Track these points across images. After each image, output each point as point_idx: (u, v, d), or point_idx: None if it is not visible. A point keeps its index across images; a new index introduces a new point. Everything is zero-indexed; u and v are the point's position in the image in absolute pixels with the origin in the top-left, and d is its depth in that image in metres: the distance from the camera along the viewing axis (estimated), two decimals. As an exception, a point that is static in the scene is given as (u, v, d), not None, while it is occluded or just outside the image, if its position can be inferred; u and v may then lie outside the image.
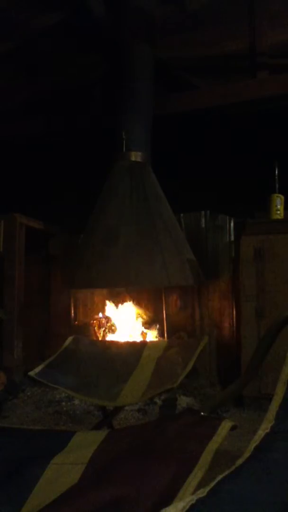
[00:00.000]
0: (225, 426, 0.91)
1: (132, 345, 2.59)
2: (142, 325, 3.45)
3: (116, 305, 3.52)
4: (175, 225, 3.29)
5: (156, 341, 3.09)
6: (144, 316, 3.49)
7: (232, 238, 3.41)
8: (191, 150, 3.79)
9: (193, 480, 0.76)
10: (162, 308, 3.45)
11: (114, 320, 3.42)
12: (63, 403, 2.94)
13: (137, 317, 3.51)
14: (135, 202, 3.12)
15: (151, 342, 2.89)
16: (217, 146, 3.71)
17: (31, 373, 1.79)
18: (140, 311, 3.53)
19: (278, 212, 3.02)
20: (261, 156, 3.48)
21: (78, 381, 1.84)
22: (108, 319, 3.46)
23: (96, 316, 3.51)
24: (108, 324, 3.43)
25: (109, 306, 3.52)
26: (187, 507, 0.60)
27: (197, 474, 0.78)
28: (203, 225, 3.49)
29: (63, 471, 0.93)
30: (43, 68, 4.04)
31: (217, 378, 3.27)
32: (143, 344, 2.37)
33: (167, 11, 3.58)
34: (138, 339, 3.30)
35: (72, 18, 3.53)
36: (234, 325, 3.29)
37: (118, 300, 3.55)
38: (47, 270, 3.84)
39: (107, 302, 3.54)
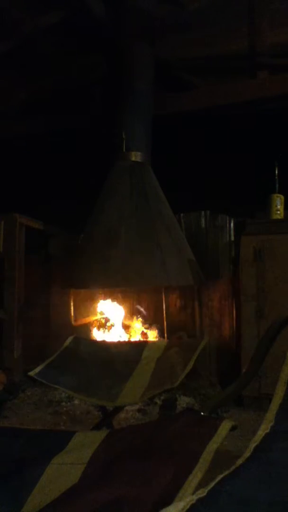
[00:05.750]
0: (225, 426, 0.91)
1: (132, 345, 2.58)
2: (142, 325, 3.45)
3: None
4: (175, 225, 3.29)
5: (156, 341, 3.09)
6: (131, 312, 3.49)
7: (232, 238, 3.41)
8: (191, 150, 3.79)
9: (193, 480, 0.76)
10: (162, 308, 3.45)
11: (112, 320, 3.42)
12: (63, 403, 2.94)
13: (136, 318, 3.51)
14: (135, 202, 3.13)
15: (151, 342, 2.89)
16: (217, 146, 3.71)
17: (31, 373, 1.79)
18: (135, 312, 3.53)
19: (278, 212, 3.02)
20: (261, 156, 3.48)
21: (78, 381, 1.84)
22: (107, 319, 3.46)
23: (96, 316, 3.51)
24: (108, 324, 3.43)
25: (109, 306, 3.52)
26: (187, 507, 0.60)
27: (197, 474, 0.78)
28: (203, 225, 3.48)
29: (63, 471, 0.93)
30: (43, 68, 4.04)
31: (217, 378, 3.27)
32: (143, 344, 2.37)
33: (167, 11, 3.58)
34: (138, 339, 3.30)
35: (72, 18, 3.53)
36: (234, 325, 3.29)
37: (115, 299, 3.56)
38: (47, 270, 3.84)
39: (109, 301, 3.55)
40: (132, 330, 3.42)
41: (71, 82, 4.05)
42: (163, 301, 3.46)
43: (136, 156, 3.21)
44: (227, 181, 3.61)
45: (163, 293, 3.47)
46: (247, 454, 0.77)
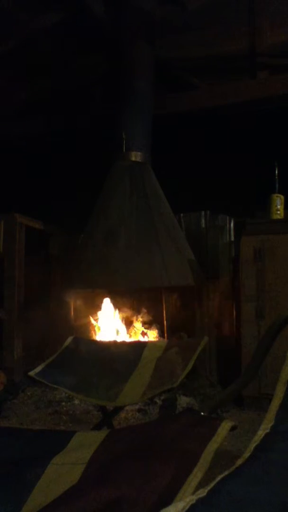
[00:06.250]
0: (225, 426, 0.91)
1: (132, 345, 2.59)
2: (142, 325, 3.45)
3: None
4: (175, 225, 3.29)
5: (156, 341, 3.09)
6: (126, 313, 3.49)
7: (232, 238, 3.41)
8: (190, 150, 3.79)
9: (193, 480, 0.76)
10: (162, 308, 3.45)
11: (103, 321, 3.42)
12: (63, 403, 2.94)
13: (136, 318, 3.51)
14: (135, 202, 3.13)
15: (151, 342, 2.89)
16: (217, 146, 3.71)
17: (31, 373, 1.79)
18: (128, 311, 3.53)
19: (278, 212, 3.02)
20: (261, 156, 3.48)
21: (78, 381, 1.84)
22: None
23: (96, 316, 3.51)
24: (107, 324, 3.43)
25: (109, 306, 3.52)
26: (187, 507, 0.60)
27: (197, 474, 0.78)
28: (203, 225, 3.49)
29: (63, 471, 0.93)
30: (43, 68, 4.04)
31: (217, 378, 3.27)
32: (143, 344, 2.37)
33: (167, 11, 3.58)
34: (138, 339, 3.30)
35: (72, 18, 3.53)
36: (234, 325, 3.29)
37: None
38: (47, 270, 3.84)
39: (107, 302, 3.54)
40: (132, 330, 3.42)
41: (71, 82, 4.05)
42: (163, 301, 3.46)
43: (136, 156, 3.21)
44: (227, 181, 3.61)
45: (163, 293, 3.47)
46: (247, 454, 0.77)
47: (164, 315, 3.43)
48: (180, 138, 3.84)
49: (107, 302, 3.52)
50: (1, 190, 4.06)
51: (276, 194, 3.03)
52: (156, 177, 3.31)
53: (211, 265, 3.39)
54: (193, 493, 0.69)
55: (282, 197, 3.04)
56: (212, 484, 0.66)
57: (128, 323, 3.48)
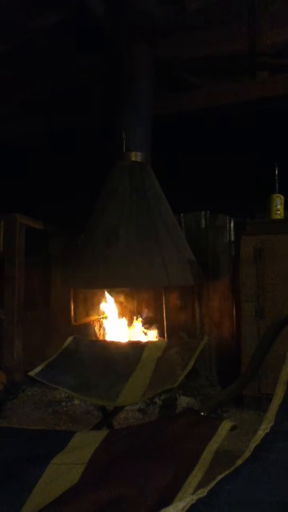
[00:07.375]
0: (225, 426, 0.91)
1: (132, 345, 2.58)
2: (142, 325, 3.45)
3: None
4: (175, 225, 3.29)
5: (156, 341, 3.09)
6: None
7: (232, 238, 3.41)
8: (191, 150, 3.79)
9: (193, 480, 0.76)
10: (162, 308, 3.45)
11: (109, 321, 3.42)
12: (63, 403, 2.94)
13: (136, 317, 3.52)
14: (135, 202, 3.13)
15: (151, 342, 2.89)
16: (217, 146, 3.71)
17: (31, 373, 1.79)
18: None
19: (278, 212, 3.02)
20: (261, 156, 3.48)
21: (78, 381, 1.84)
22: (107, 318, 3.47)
23: (96, 316, 3.52)
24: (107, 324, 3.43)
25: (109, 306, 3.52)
26: (187, 507, 0.60)
27: (197, 474, 0.78)
28: (203, 225, 3.49)
29: (63, 471, 0.93)
30: (43, 69, 4.04)
31: (217, 378, 3.27)
32: (143, 344, 2.37)
33: (167, 11, 3.58)
34: (138, 339, 3.30)
35: (72, 18, 3.52)
36: (234, 325, 3.29)
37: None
38: (47, 270, 3.84)
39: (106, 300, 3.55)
40: (132, 330, 3.42)
41: (71, 82, 4.05)
42: (163, 301, 3.46)
43: (136, 156, 3.21)
44: (227, 181, 3.60)
45: (163, 293, 3.47)
46: (247, 454, 0.77)
47: (164, 315, 3.42)
48: (180, 138, 3.83)
49: (107, 302, 3.53)
50: (1, 190, 4.06)
51: (276, 194, 3.03)
52: (156, 177, 3.31)
53: (211, 265, 3.39)
54: (193, 493, 0.69)
55: (282, 197, 3.04)
56: (212, 484, 0.66)
57: (128, 323, 3.49)
